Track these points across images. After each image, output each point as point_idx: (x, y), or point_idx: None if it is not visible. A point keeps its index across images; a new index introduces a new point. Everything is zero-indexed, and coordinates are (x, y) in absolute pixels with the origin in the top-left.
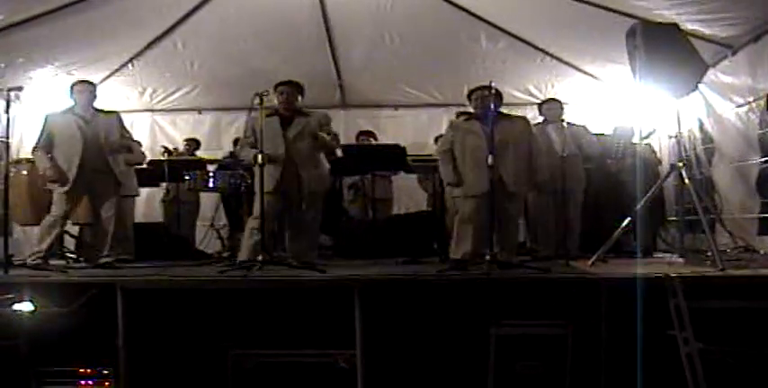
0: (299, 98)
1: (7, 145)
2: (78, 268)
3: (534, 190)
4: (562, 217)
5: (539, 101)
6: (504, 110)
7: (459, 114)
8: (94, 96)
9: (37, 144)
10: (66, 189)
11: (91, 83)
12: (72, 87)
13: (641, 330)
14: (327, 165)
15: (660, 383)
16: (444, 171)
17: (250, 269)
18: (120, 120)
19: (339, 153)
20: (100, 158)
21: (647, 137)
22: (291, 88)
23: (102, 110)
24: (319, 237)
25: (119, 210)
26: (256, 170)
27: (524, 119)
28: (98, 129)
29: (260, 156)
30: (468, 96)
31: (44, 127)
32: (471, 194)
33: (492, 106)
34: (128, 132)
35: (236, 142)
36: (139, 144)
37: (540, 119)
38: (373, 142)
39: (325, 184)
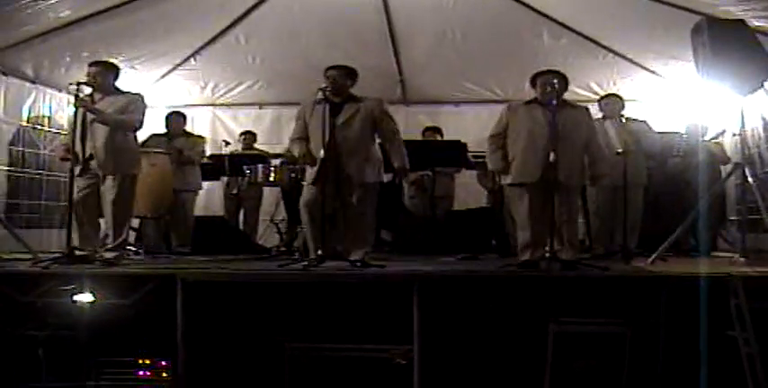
0: (350, 83)
1: (73, 139)
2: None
3: (594, 186)
4: (622, 215)
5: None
6: None
7: None
8: (108, 76)
9: None
10: (76, 173)
11: (102, 63)
12: None
13: (705, 329)
14: (380, 156)
15: (719, 384)
16: (492, 158)
17: (308, 264)
18: (136, 101)
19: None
20: (94, 139)
21: (715, 138)
22: (340, 71)
23: (122, 92)
24: (373, 233)
25: (182, 203)
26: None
27: (586, 108)
28: (99, 109)
29: (322, 151)
30: (533, 80)
31: None
32: (518, 182)
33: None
34: (141, 114)
35: None
36: (201, 138)
37: (600, 115)
38: (439, 138)
39: (377, 177)
